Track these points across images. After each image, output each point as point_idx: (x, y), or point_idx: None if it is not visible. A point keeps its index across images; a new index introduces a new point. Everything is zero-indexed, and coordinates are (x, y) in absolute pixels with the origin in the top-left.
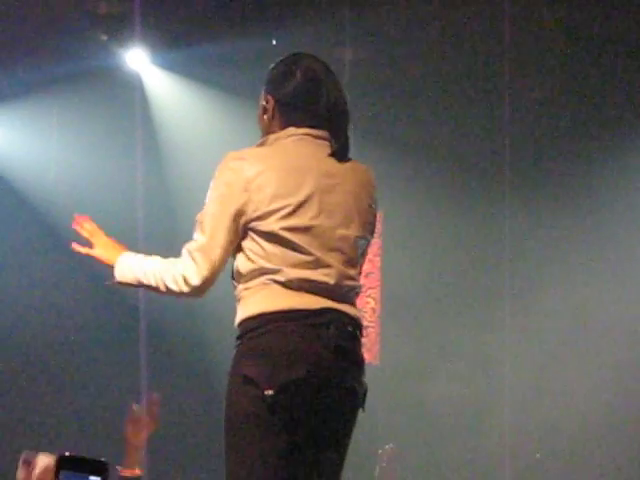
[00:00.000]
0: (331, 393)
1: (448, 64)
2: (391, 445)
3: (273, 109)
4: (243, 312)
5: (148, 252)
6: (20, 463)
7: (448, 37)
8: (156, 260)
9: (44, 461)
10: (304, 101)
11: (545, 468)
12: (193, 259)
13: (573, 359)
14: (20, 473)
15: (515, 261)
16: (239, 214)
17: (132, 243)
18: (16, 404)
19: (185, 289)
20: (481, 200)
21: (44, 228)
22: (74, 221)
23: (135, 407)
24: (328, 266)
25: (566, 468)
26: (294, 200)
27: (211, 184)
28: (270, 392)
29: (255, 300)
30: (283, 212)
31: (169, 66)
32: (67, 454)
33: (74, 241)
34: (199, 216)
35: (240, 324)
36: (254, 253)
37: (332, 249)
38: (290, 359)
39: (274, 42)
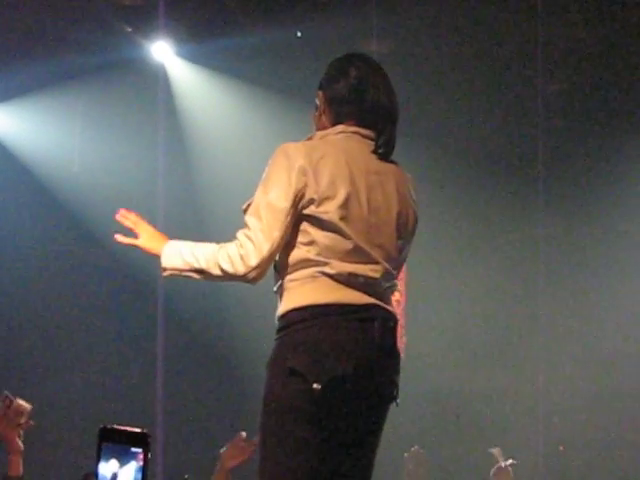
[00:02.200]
0: (373, 389)
1: (476, 58)
2: (417, 447)
3: (324, 106)
4: (289, 303)
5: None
6: None
7: (476, 30)
8: (207, 244)
9: (20, 403)
10: (353, 99)
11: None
12: (251, 239)
13: (615, 366)
14: None
15: (549, 264)
16: (298, 198)
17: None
18: (36, 382)
19: (241, 269)
20: (514, 204)
21: (67, 218)
22: (117, 213)
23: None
24: (376, 262)
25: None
26: (346, 191)
27: (267, 171)
28: (318, 386)
29: (303, 292)
30: (338, 200)
31: (193, 58)
32: (108, 426)
33: (118, 233)
34: (254, 202)
35: (284, 315)
36: (304, 244)
37: (377, 245)
38: (338, 354)
39: (299, 34)
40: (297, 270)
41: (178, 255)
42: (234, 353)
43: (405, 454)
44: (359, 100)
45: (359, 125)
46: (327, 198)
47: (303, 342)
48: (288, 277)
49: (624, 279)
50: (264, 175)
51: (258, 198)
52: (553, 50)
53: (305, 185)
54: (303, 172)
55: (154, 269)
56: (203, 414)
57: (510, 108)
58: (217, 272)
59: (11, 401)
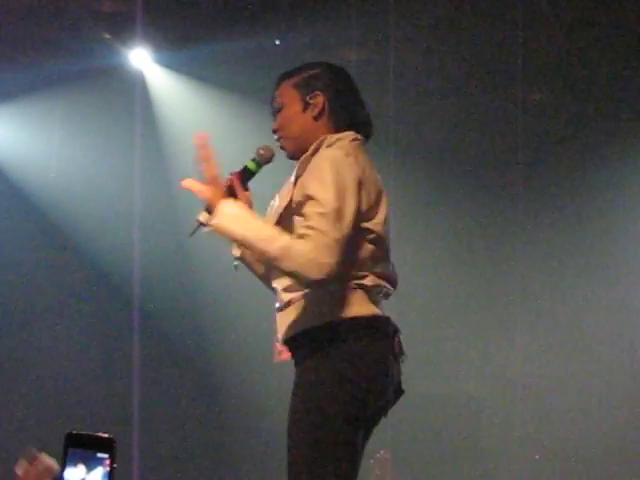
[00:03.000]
0: (393, 398)
1: (456, 66)
2: (382, 452)
3: (323, 107)
4: (332, 314)
5: (148, 249)
6: (21, 459)
7: (456, 39)
8: (276, 229)
9: (47, 460)
10: (354, 103)
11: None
12: (328, 247)
13: (587, 365)
14: (20, 468)
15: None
16: (359, 210)
17: (131, 240)
18: (10, 395)
19: (315, 274)
20: (492, 215)
21: (44, 224)
22: (196, 137)
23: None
24: (395, 275)
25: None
26: (386, 203)
27: (328, 181)
28: (370, 395)
29: (345, 303)
30: (382, 213)
31: (172, 65)
32: (74, 432)
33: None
34: (325, 209)
35: (325, 326)
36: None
37: (390, 258)
38: (380, 365)
39: (277, 42)
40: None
41: (239, 219)
42: (211, 359)
43: (371, 460)
44: (358, 104)
45: (359, 131)
46: (376, 211)
47: (358, 354)
48: (304, 291)
49: (599, 294)
50: (326, 183)
51: (329, 205)
52: (534, 60)
53: (363, 196)
54: (361, 181)
55: (130, 273)
56: (179, 421)
57: (490, 117)
58: (283, 267)
59: (36, 457)
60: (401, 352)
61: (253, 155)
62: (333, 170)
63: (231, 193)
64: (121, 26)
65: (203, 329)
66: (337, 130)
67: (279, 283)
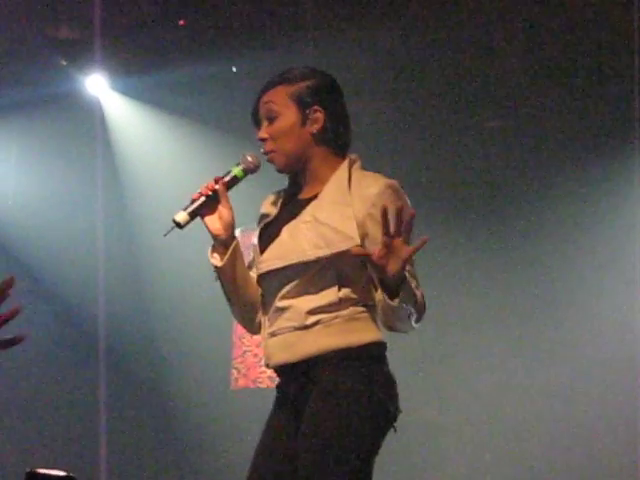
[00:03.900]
0: None
1: (412, 91)
2: None
3: (323, 125)
4: (360, 337)
5: (109, 278)
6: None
7: (416, 68)
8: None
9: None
10: (347, 121)
11: None
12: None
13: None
14: None
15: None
16: None
17: (93, 270)
18: None
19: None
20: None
21: (1, 254)
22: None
23: None
24: None
25: None
26: None
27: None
28: (393, 419)
29: (366, 328)
30: None
31: (129, 92)
32: (34, 470)
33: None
34: None
35: (359, 348)
36: (367, 282)
37: None
38: (396, 389)
39: (234, 69)
40: (343, 309)
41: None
42: (177, 396)
43: None
44: (348, 126)
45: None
46: None
47: (385, 378)
48: (333, 314)
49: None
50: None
51: None
52: (491, 86)
53: None
54: None
55: (94, 308)
56: (146, 459)
57: (448, 144)
58: (422, 315)
59: None
60: None
61: (238, 161)
62: (403, 203)
63: (213, 199)
64: (78, 52)
65: (169, 366)
66: (334, 149)
67: (300, 303)
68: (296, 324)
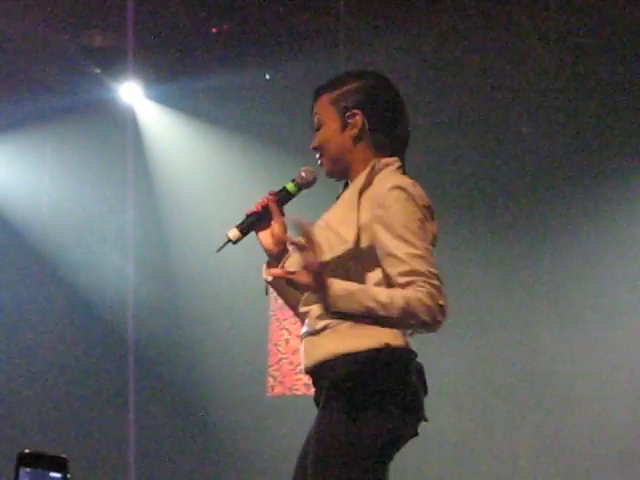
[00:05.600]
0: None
1: (444, 104)
2: None
3: (361, 127)
4: (362, 342)
5: (141, 285)
6: None
7: (444, 75)
8: (383, 290)
9: None
10: (395, 120)
11: None
12: (437, 288)
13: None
14: None
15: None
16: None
17: (124, 277)
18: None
19: (441, 318)
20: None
21: (36, 261)
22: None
23: None
24: None
25: None
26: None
27: (409, 218)
28: (407, 427)
29: (371, 332)
30: (433, 241)
31: (162, 99)
32: (26, 451)
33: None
34: (418, 248)
35: (361, 353)
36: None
37: None
38: (421, 400)
39: (267, 76)
40: None
41: (348, 296)
42: (213, 403)
43: None
44: (397, 126)
45: (400, 156)
46: (432, 242)
47: (390, 387)
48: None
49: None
50: (406, 223)
51: (420, 245)
52: (525, 94)
53: (428, 226)
54: (430, 216)
55: (124, 310)
56: (180, 466)
57: (483, 149)
58: (412, 322)
59: None
60: (426, 384)
61: (293, 177)
62: (408, 206)
63: (265, 215)
64: (112, 60)
65: (198, 368)
66: (377, 151)
67: (312, 309)
68: (310, 329)
